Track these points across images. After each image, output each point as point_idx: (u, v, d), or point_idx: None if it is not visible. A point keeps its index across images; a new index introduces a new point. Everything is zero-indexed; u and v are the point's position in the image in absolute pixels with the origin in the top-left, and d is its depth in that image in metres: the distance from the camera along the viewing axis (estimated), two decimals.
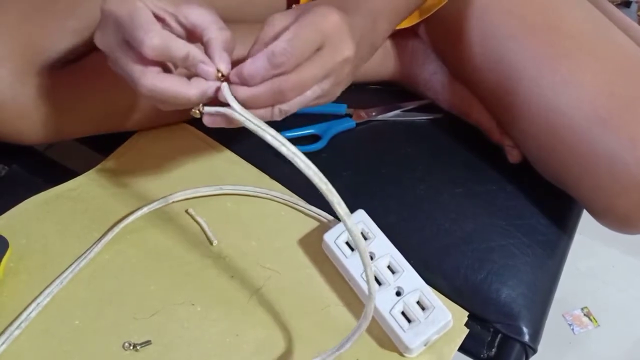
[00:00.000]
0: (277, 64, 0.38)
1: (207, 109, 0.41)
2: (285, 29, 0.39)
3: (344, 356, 0.47)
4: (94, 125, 0.57)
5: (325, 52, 0.40)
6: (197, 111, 0.41)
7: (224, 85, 0.40)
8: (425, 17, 0.60)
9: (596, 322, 1.06)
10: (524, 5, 0.54)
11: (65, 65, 0.54)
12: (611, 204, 0.51)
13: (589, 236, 1.05)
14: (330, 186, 0.38)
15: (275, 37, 0.39)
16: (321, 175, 0.38)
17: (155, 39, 0.37)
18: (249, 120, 0.40)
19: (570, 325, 1.06)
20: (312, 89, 0.41)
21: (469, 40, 0.57)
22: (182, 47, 0.39)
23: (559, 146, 0.52)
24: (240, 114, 0.40)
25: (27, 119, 0.52)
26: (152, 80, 0.38)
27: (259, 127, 0.40)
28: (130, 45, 0.38)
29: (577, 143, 0.51)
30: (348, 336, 0.43)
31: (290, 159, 0.38)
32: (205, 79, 0.40)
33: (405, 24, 0.61)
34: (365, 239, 0.51)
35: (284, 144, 0.39)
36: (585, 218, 0.58)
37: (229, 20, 0.63)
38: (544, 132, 0.53)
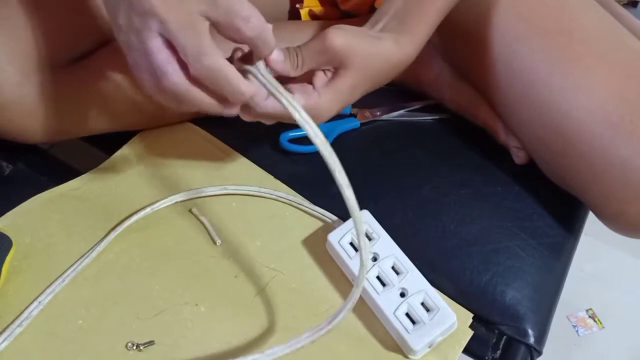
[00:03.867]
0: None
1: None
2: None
3: (348, 357, 0.46)
4: (98, 124, 0.57)
5: None
6: None
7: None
8: None
9: (601, 324, 1.06)
10: (536, 9, 0.53)
11: (70, 64, 0.54)
12: (622, 209, 0.50)
13: (594, 238, 1.05)
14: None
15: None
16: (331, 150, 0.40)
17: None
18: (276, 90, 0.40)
19: (574, 327, 1.06)
20: None
21: (479, 43, 0.56)
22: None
23: (569, 151, 0.51)
24: (277, 90, 0.40)
25: (33, 118, 0.52)
26: (218, 58, 0.38)
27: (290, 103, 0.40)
28: (217, 23, 0.38)
29: (588, 148, 0.50)
30: (337, 310, 0.43)
31: (311, 138, 0.40)
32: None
33: None
34: (370, 239, 0.51)
35: (307, 122, 0.40)
36: (591, 219, 0.57)
37: None
38: (554, 136, 0.52)
